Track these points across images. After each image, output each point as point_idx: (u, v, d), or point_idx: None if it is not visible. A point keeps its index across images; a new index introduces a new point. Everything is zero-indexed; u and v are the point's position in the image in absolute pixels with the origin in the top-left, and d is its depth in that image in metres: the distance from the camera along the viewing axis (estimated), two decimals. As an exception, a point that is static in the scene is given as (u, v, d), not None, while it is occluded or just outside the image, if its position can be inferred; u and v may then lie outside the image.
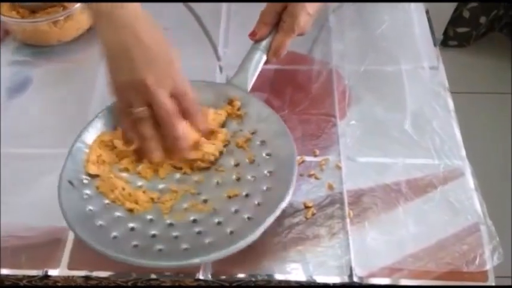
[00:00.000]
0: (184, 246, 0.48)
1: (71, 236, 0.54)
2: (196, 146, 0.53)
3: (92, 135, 0.55)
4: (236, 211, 0.50)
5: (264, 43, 0.59)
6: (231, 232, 0.49)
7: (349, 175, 0.58)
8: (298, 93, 0.66)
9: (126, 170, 0.54)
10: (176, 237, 0.49)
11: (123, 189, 0.52)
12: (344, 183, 0.57)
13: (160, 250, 0.48)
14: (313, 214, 0.55)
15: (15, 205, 0.56)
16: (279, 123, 0.55)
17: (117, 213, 0.51)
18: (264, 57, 0.59)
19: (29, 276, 0.52)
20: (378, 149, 0.60)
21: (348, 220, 0.55)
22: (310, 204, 0.56)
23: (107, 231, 0.49)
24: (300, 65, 0.69)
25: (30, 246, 0.53)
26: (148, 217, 0.51)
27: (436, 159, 0.60)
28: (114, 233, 0.49)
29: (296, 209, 0.56)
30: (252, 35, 0.59)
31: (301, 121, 0.63)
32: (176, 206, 0.52)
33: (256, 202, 0.50)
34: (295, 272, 0.52)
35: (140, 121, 0.51)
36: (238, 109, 0.57)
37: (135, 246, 0.48)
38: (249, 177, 0.53)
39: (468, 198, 0.56)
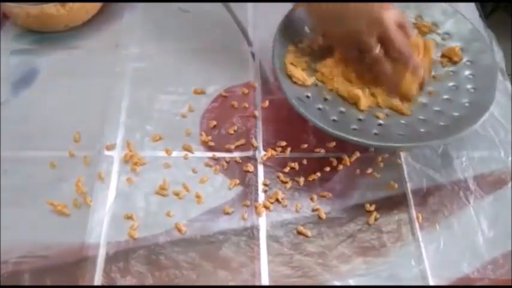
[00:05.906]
0: (422, 129, 0.51)
1: (102, 252, 0.46)
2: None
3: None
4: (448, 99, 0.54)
5: None
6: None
7: (411, 172, 0.52)
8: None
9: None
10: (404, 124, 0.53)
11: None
12: (408, 182, 0.51)
13: (375, 134, 0.51)
14: (376, 219, 0.49)
15: (28, 219, 0.48)
16: (466, 22, 0.58)
17: (341, 108, 0.54)
18: None
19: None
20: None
21: (416, 225, 0.48)
22: (371, 208, 0.49)
23: (326, 114, 0.52)
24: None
25: (54, 267, 0.45)
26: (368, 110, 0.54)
27: (502, 151, 0.54)
28: (333, 117, 0.52)
29: (356, 214, 0.49)
30: None
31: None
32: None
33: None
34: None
35: (377, 62, 0.53)
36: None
37: (354, 129, 0.51)
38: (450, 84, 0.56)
39: (545, 195, 0.51)
